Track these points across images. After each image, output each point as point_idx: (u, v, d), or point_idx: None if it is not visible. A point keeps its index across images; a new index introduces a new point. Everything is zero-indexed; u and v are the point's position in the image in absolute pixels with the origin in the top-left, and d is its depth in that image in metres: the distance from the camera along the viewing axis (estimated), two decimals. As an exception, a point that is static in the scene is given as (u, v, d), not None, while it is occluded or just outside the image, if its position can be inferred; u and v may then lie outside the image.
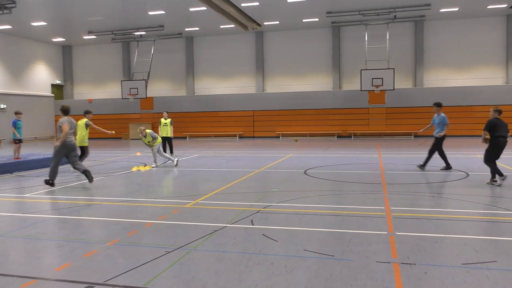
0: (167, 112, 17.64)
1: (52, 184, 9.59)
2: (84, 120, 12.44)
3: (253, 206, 7.29)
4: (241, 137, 29.66)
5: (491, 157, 9.05)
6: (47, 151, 17.51)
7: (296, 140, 20.04)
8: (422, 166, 11.44)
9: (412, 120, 26.83)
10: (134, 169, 12.72)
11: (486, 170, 10.22)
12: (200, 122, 30.05)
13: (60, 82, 33.95)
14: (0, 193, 9.26)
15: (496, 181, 8.96)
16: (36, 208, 7.69)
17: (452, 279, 4.03)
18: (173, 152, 17.30)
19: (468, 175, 10.55)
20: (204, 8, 22.08)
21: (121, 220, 6.53)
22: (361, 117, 27.91)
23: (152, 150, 13.32)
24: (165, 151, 16.89)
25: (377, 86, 24.46)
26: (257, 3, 22.50)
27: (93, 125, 12.60)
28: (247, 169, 12.31)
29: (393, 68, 24.67)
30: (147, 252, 4.94)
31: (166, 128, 16.88)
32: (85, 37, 30.56)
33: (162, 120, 17.03)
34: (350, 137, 27.78)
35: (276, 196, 8.28)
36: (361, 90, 25.15)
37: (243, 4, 22.35)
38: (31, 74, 31.23)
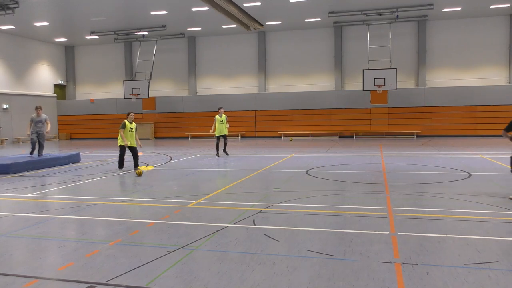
0: (223, 109, 16.96)
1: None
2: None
3: (255, 206, 7.29)
4: (243, 137, 29.66)
5: None
6: (50, 151, 17.55)
7: (291, 140, 20.11)
8: None
9: (414, 120, 26.79)
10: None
11: (488, 170, 10.20)
12: (202, 122, 30.01)
13: (62, 82, 34.02)
14: (3, 192, 9.30)
15: None
16: (39, 208, 7.71)
17: (454, 279, 4.03)
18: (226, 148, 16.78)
19: (470, 175, 10.53)
20: (206, 8, 22.10)
21: (123, 220, 6.54)
22: (363, 117, 27.88)
23: None
24: (218, 148, 16.55)
25: (379, 86, 24.42)
26: (259, 3, 22.51)
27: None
28: (249, 169, 12.31)
29: (395, 68, 24.62)
30: (149, 252, 4.95)
31: (222, 126, 16.41)
32: (88, 37, 30.63)
33: (218, 117, 16.46)
34: (352, 137, 27.75)
35: (278, 196, 8.28)
36: (363, 90, 25.13)
37: (245, 4, 22.35)
38: (34, 74, 31.29)
